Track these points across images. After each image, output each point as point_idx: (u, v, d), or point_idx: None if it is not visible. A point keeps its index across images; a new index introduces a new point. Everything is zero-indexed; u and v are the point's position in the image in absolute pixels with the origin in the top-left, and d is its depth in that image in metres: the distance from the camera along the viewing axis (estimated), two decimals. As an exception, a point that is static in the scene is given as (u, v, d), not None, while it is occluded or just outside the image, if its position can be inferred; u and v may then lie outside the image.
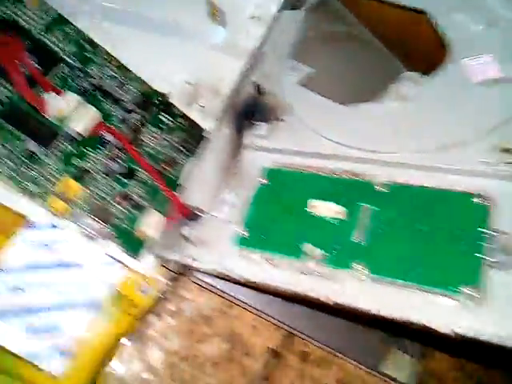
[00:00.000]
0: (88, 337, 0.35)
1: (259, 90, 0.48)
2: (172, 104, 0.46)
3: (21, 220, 0.35)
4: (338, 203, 0.38)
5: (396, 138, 0.40)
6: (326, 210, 0.38)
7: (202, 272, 0.40)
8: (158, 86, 0.47)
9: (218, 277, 0.40)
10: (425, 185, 0.37)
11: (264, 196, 0.42)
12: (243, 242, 0.39)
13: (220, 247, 0.40)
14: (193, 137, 0.47)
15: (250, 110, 0.47)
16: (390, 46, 0.55)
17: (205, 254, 0.39)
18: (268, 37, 0.54)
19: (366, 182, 0.39)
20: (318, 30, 0.54)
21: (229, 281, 0.39)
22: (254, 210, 0.41)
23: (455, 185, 0.36)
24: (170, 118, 0.45)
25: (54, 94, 0.36)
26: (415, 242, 0.34)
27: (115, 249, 0.38)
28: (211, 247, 0.40)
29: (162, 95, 0.46)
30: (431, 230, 0.34)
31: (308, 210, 0.39)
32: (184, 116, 0.47)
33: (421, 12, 0.47)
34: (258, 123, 0.45)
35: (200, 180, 0.44)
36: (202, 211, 0.42)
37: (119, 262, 0.38)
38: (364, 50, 0.54)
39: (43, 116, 0.35)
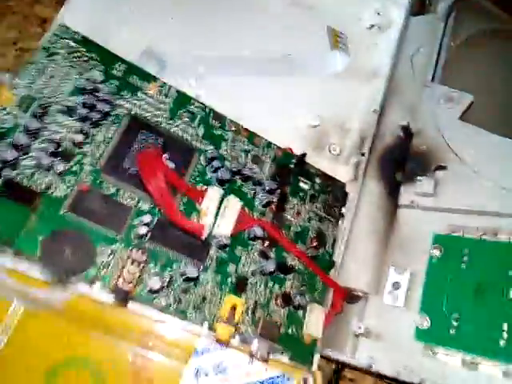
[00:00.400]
0: None
1: (406, 130, 0.40)
2: (307, 163, 0.40)
3: (191, 347, 0.31)
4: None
5: None
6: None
7: (381, 374, 0.34)
8: (280, 138, 0.41)
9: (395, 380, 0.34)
10: None
11: (440, 272, 0.34)
12: (423, 336, 0.33)
13: (394, 345, 0.34)
14: (335, 196, 0.41)
15: (400, 158, 0.40)
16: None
17: (377, 354, 0.34)
18: (400, 52, 0.46)
19: None
20: (463, 35, 0.44)
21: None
22: (430, 292, 0.34)
23: None
24: (309, 182, 0.39)
25: (204, 204, 0.31)
26: None
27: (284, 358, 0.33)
28: (386, 342, 0.34)
29: (297, 156, 0.40)
30: None
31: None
32: (321, 174, 0.41)
33: None
34: (416, 177, 0.38)
35: (355, 254, 0.38)
36: (364, 293, 0.37)
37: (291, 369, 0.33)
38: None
39: (193, 232, 0.31)
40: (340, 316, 0.36)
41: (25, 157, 0.28)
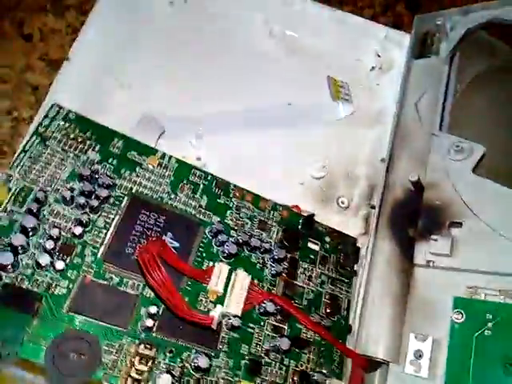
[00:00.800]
0: None
1: (417, 183, 0.39)
2: (315, 221, 0.39)
3: None
4: None
5: None
6: None
7: None
8: (285, 196, 0.40)
9: None
10: None
11: (463, 339, 0.33)
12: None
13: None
14: (345, 254, 0.39)
15: (412, 214, 0.38)
16: None
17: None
18: (404, 98, 0.44)
19: None
20: (470, 75, 0.43)
21: None
22: (455, 362, 0.32)
23: None
24: (319, 242, 0.38)
25: (212, 284, 0.30)
26: None
27: None
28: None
29: (303, 216, 0.39)
30: None
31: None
32: (330, 232, 0.39)
33: None
34: (431, 236, 0.36)
35: (371, 318, 0.36)
36: (387, 361, 0.35)
37: None
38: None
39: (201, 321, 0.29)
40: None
41: (23, 256, 0.27)
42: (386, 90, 0.47)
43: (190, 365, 0.29)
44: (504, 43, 0.45)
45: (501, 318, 0.32)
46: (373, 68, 0.48)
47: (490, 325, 0.32)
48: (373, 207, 0.42)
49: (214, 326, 0.29)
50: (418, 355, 0.34)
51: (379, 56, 0.49)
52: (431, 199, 0.38)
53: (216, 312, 0.29)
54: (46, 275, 0.27)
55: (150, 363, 0.28)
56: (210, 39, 0.45)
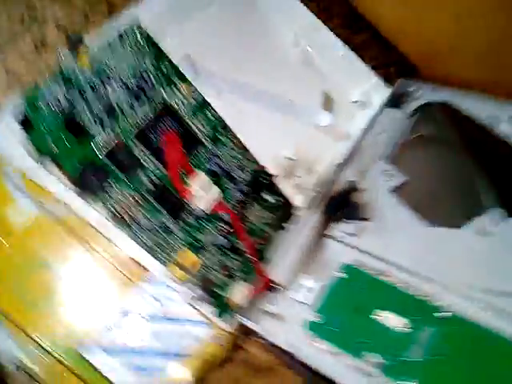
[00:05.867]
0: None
1: (353, 186, 0.54)
2: (275, 184, 0.53)
3: (143, 273, 0.43)
4: (404, 316, 0.44)
5: (470, 271, 0.45)
6: (391, 320, 0.44)
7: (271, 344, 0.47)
8: (262, 158, 0.54)
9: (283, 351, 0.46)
10: (493, 329, 0.40)
11: (338, 289, 0.47)
12: (313, 328, 0.45)
13: (292, 327, 0.46)
14: (286, 214, 0.53)
15: (341, 204, 0.53)
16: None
17: (277, 330, 0.46)
18: (369, 130, 0.60)
19: (435, 306, 0.44)
20: (418, 134, 0.59)
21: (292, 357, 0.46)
22: (328, 300, 0.47)
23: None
24: (272, 197, 0.52)
25: (194, 183, 0.43)
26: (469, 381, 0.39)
27: (209, 310, 0.45)
28: (284, 325, 0.46)
29: (270, 176, 0.53)
30: (490, 377, 0.38)
31: (374, 316, 0.44)
32: (282, 195, 0.53)
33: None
34: (346, 219, 0.51)
35: (284, 258, 0.50)
36: (282, 286, 0.49)
37: (210, 320, 0.45)
38: (459, 165, 0.58)
39: (181, 196, 0.43)
40: (259, 297, 0.48)
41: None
42: (359, 121, 0.63)
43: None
44: (450, 122, 0.62)
45: (360, 282, 0.47)
46: (356, 101, 0.64)
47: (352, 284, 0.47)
48: (319, 192, 0.57)
49: (188, 200, 0.42)
50: (307, 289, 0.48)
51: (365, 94, 0.64)
52: (358, 197, 0.53)
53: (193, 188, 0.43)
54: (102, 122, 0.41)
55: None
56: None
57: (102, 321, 0.42)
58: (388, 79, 0.68)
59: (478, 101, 0.57)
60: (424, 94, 0.62)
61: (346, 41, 0.66)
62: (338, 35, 0.65)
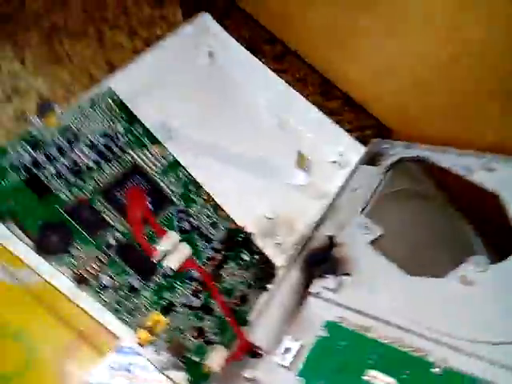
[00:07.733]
0: None
1: (332, 240, 0.53)
2: (252, 241, 0.52)
3: (112, 341, 0.40)
4: (393, 375, 0.40)
5: (454, 320, 0.42)
6: (378, 379, 0.40)
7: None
8: (240, 218, 0.53)
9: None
10: (478, 376, 0.37)
11: (322, 349, 0.44)
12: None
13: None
14: (265, 274, 0.51)
15: (321, 259, 0.52)
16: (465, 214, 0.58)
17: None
18: (346, 186, 0.60)
19: (423, 361, 0.40)
20: (393, 189, 0.59)
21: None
22: (311, 362, 0.43)
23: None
24: (249, 255, 0.50)
25: (162, 241, 0.42)
26: None
27: (182, 377, 0.41)
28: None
29: (246, 233, 0.52)
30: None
31: (365, 378, 0.41)
32: (260, 254, 0.52)
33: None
34: (327, 275, 0.49)
35: (266, 320, 0.48)
36: (264, 351, 0.46)
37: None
38: (437, 215, 0.58)
39: (148, 255, 0.41)
40: (238, 363, 0.45)
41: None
42: (336, 180, 0.63)
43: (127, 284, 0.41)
44: (426, 176, 0.62)
45: (344, 340, 0.44)
46: (334, 162, 0.65)
47: (336, 342, 0.44)
48: (297, 249, 0.55)
49: (155, 259, 0.41)
50: (290, 353, 0.45)
51: (341, 155, 0.65)
52: (337, 252, 0.51)
53: (159, 249, 0.41)
54: (62, 185, 0.40)
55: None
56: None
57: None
58: (364, 141, 0.69)
59: (450, 154, 0.58)
60: (398, 152, 0.63)
61: (321, 107, 0.69)
62: (313, 102, 0.68)
